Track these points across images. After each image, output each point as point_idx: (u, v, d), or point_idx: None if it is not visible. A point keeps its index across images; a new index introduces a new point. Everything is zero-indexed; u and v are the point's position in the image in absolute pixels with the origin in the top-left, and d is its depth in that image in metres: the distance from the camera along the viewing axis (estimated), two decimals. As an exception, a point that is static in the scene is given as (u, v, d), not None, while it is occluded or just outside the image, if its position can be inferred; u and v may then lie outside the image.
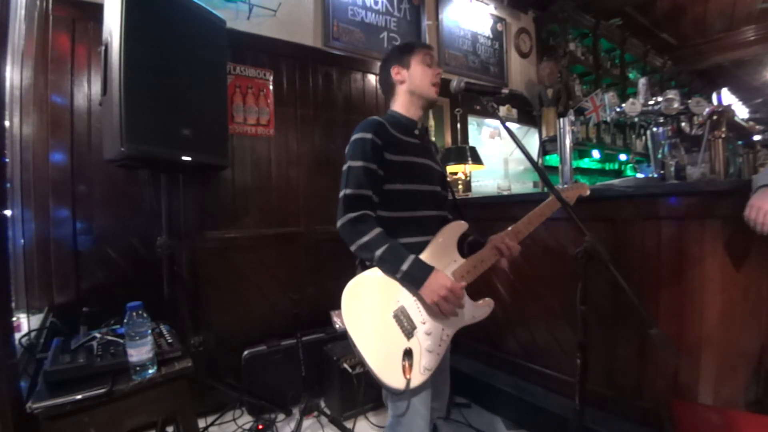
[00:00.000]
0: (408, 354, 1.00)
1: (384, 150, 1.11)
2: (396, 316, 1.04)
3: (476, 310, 1.13)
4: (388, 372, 0.98)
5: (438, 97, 1.27)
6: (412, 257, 1.04)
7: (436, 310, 1.04)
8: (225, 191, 2.26)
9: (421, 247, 1.13)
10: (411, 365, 0.99)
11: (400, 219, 1.14)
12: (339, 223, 1.09)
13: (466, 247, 1.26)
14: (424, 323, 1.05)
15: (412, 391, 1.00)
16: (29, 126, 1.74)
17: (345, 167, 1.12)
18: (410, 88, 1.25)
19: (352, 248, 1.07)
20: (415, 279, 1.03)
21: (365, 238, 1.04)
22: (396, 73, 1.26)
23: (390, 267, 1.04)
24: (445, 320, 1.08)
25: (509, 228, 1.19)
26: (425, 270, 1.03)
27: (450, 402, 2.09)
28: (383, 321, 1.03)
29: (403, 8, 3.14)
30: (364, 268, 1.11)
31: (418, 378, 1.00)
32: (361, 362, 1.01)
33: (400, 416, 1.06)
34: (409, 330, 1.03)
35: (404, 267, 1.02)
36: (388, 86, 1.30)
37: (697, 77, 6.57)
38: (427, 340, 1.04)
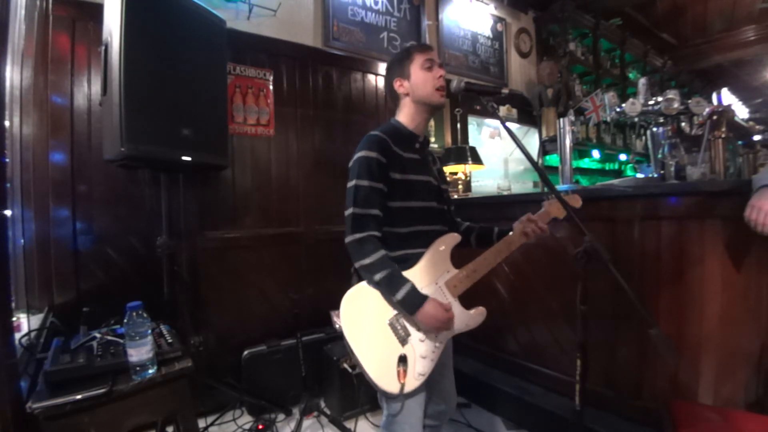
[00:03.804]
0: (402, 360, 1.04)
1: (388, 168, 1.12)
2: (391, 324, 1.08)
3: (469, 319, 1.17)
4: (384, 377, 1.02)
5: (444, 100, 1.23)
6: (407, 287, 1.06)
7: (429, 332, 1.09)
8: (225, 191, 2.26)
9: (416, 259, 1.16)
10: (405, 371, 1.03)
11: (397, 234, 1.16)
12: (347, 240, 1.11)
13: (474, 240, 1.33)
14: (418, 330, 1.09)
15: (405, 395, 1.05)
16: (29, 126, 1.74)
17: (351, 185, 1.12)
18: (414, 98, 1.22)
19: (356, 265, 1.10)
20: (408, 307, 1.06)
21: (368, 260, 1.06)
22: (399, 85, 1.24)
23: (386, 292, 1.08)
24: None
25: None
26: (418, 300, 1.06)
27: (450, 402, 2.09)
28: (379, 328, 1.07)
29: (403, 8, 3.14)
30: (360, 278, 1.13)
31: (412, 383, 1.04)
32: (359, 368, 1.05)
33: (395, 416, 1.10)
34: (403, 337, 1.07)
35: (399, 296, 1.05)
36: (393, 97, 1.28)
37: (697, 77, 6.57)
38: (421, 347, 1.08)
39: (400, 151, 1.17)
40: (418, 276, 1.13)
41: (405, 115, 1.25)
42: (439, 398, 1.31)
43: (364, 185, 1.09)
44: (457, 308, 1.14)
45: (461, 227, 1.37)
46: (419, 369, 1.06)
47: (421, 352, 1.08)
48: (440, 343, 1.11)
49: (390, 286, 1.06)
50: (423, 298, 1.06)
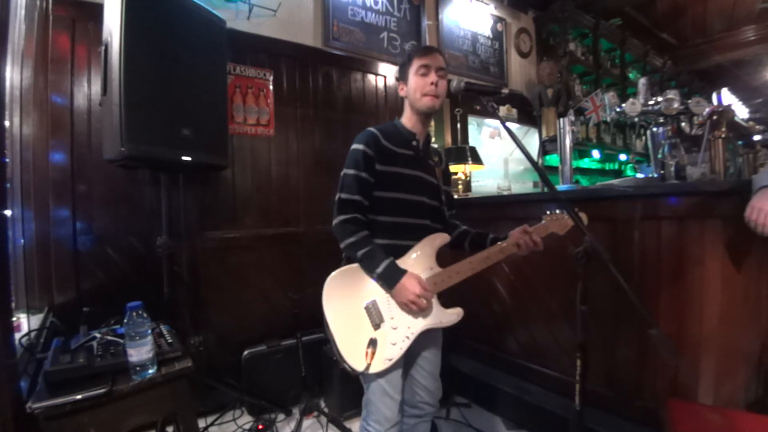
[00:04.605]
0: (372, 343, 1.11)
1: (375, 160, 1.20)
2: (367, 308, 1.15)
3: (444, 316, 1.21)
4: (352, 354, 1.11)
5: (434, 106, 1.25)
6: (387, 261, 1.13)
7: (406, 309, 1.15)
8: (225, 191, 2.26)
9: (402, 251, 1.21)
10: (374, 353, 1.09)
11: (385, 223, 1.22)
12: (333, 223, 1.21)
13: (468, 244, 1.35)
14: (392, 318, 1.16)
15: (377, 374, 1.13)
16: (29, 126, 1.74)
17: (342, 173, 1.22)
18: (408, 101, 1.29)
19: (342, 245, 1.19)
20: (388, 280, 1.14)
21: (352, 238, 1.16)
22: (400, 88, 1.32)
23: (368, 266, 1.16)
24: (411, 319, 1.17)
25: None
26: (398, 273, 1.13)
27: (450, 402, 2.09)
28: (355, 310, 1.15)
29: (403, 8, 3.14)
30: (350, 262, 1.20)
31: (379, 365, 1.11)
32: (331, 343, 1.13)
33: (367, 391, 1.20)
34: (377, 322, 1.15)
35: (379, 269, 1.13)
36: (401, 98, 1.36)
37: (697, 77, 6.57)
38: (392, 334, 1.15)
39: (392, 146, 1.24)
40: None
41: (405, 116, 1.33)
42: (420, 392, 1.32)
43: (350, 174, 1.19)
44: (434, 305, 1.20)
45: (456, 230, 1.39)
46: (387, 354, 1.12)
47: (392, 338, 1.14)
48: (411, 333, 1.16)
49: (372, 260, 1.14)
50: (402, 272, 1.13)
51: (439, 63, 1.25)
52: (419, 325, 1.17)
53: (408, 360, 1.17)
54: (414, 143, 1.29)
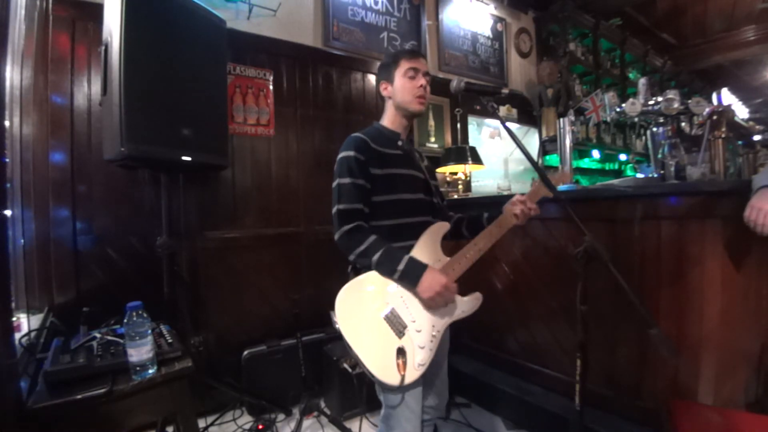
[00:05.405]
0: (401, 352, 1.05)
1: (368, 165, 1.17)
2: (387, 318, 1.10)
3: (465, 305, 1.19)
4: (384, 371, 1.04)
5: (422, 109, 1.27)
6: (406, 258, 1.10)
7: (431, 305, 1.11)
8: (225, 191, 2.26)
9: (407, 251, 1.17)
10: (405, 362, 1.04)
11: (387, 227, 1.19)
12: (336, 236, 1.16)
13: (466, 229, 1.34)
14: (413, 321, 1.11)
15: (407, 386, 1.06)
16: (29, 126, 1.75)
17: (334, 184, 1.19)
18: (395, 103, 1.28)
19: (351, 257, 1.15)
20: (410, 277, 1.09)
21: (362, 247, 1.11)
22: (383, 88, 1.31)
23: (387, 269, 1.11)
24: (434, 317, 1.13)
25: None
26: (420, 268, 1.10)
27: (450, 402, 2.09)
28: (375, 323, 1.09)
29: (403, 8, 3.14)
30: (357, 274, 1.16)
31: (413, 374, 1.06)
32: (359, 364, 1.06)
33: (393, 408, 1.13)
34: (400, 330, 1.09)
35: (400, 267, 1.09)
36: (381, 98, 1.35)
37: (697, 77, 6.57)
38: (418, 337, 1.10)
39: (381, 148, 1.22)
40: None
41: (387, 117, 1.32)
42: (432, 394, 1.32)
43: (346, 182, 1.16)
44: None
45: (452, 219, 1.39)
46: (418, 359, 1.07)
47: (419, 342, 1.09)
48: (437, 332, 1.13)
49: (389, 261, 1.09)
50: (424, 267, 1.10)
51: (426, 68, 1.27)
52: (443, 320, 1.14)
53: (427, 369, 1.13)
54: (399, 143, 1.29)
